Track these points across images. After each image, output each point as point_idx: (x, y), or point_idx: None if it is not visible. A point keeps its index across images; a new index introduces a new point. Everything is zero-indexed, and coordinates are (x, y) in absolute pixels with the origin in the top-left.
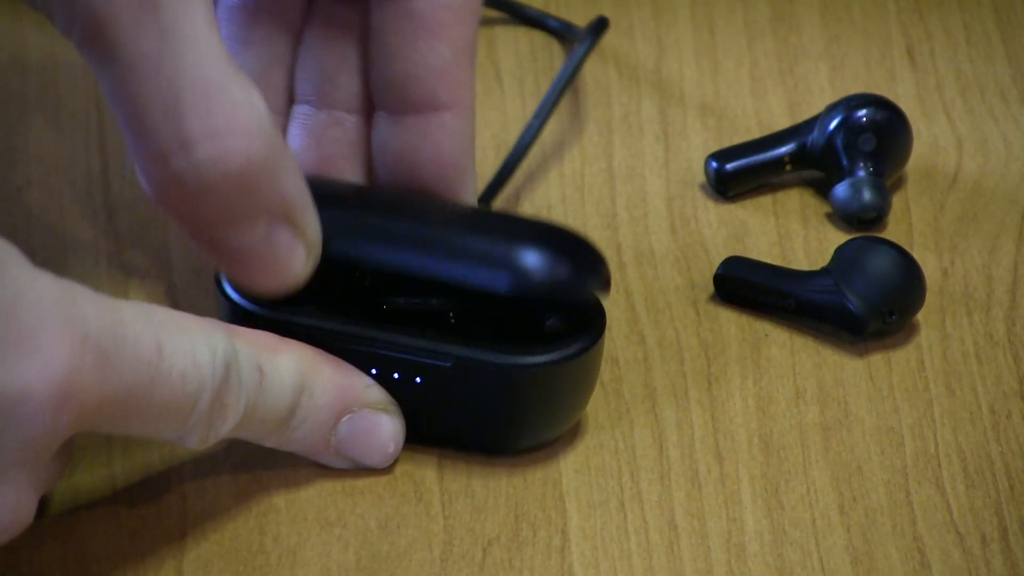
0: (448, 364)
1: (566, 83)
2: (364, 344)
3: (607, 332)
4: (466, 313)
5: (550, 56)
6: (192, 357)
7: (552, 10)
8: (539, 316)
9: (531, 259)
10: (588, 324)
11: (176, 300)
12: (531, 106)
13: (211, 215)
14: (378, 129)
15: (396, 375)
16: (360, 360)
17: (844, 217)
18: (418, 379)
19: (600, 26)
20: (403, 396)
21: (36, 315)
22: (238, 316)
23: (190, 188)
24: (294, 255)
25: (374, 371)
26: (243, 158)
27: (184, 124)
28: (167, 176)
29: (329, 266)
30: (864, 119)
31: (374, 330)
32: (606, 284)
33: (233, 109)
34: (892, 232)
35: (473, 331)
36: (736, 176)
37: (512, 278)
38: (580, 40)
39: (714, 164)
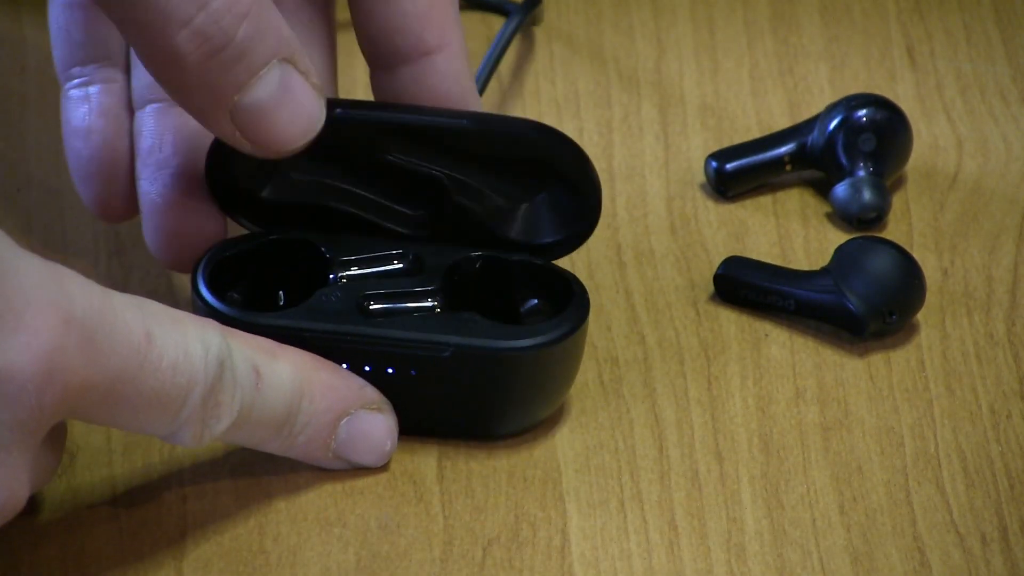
0: (446, 354)
1: (497, 57)
2: (356, 342)
3: (609, 333)
4: (453, 300)
5: (551, 53)
6: (184, 349)
7: (552, 10)
8: (524, 297)
9: (538, 123)
10: (569, 305)
11: (176, 300)
12: (529, 104)
13: (232, 72)
14: (377, 91)
15: (390, 370)
16: (352, 358)
17: (844, 217)
18: (412, 371)
19: (533, 2)
20: (396, 390)
21: (20, 293)
22: (228, 323)
23: (213, 43)
24: (309, 96)
25: (367, 368)
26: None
27: None
28: (192, 40)
29: (344, 132)
30: (864, 119)
31: (368, 327)
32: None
33: None
34: (892, 232)
35: (460, 321)
36: (736, 176)
37: (531, 125)
38: (513, 16)
39: (714, 164)
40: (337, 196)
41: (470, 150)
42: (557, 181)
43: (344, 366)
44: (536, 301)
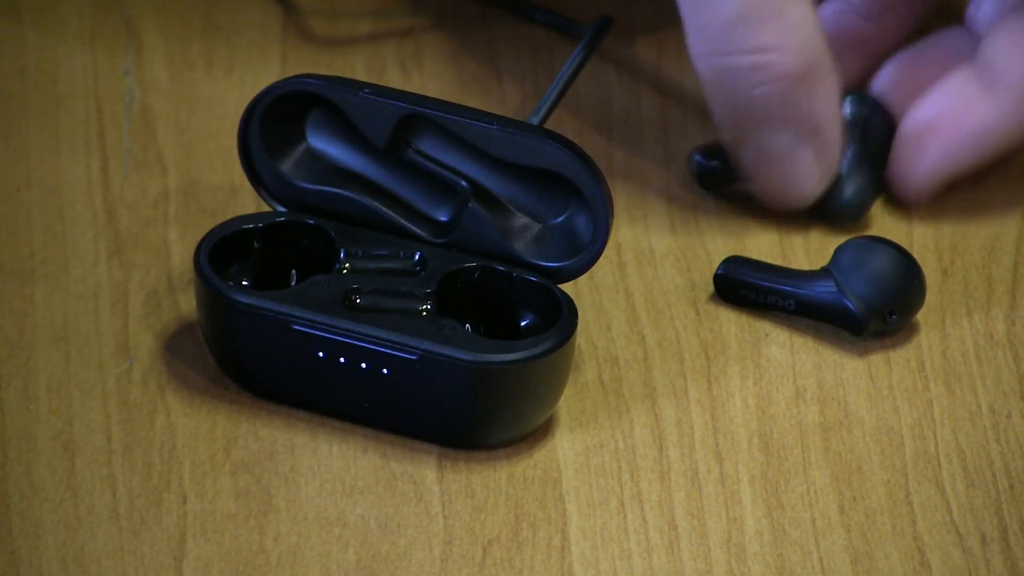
0: (414, 357)
1: (567, 82)
2: (334, 332)
3: (608, 333)
4: (446, 306)
5: (551, 54)
6: None
7: (552, 7)
8: (519, 313)
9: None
10: (560, 322)
11: (176, 300)
12: (531, 105)
13: (746, 113)
14: None
15: (364, 364)
16: (326, 348)
17: (830, 216)
18: (385, 371)
19: (603, 25)
20: (374, 388)
21: None
22: (213, 299)
23: (734, 85)
24: (808, 173)
25: (342, 360)
26: (778, 72)
27: (736, 34)
28: (718, 68)
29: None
30: (856, 116)
31: (345, 320)
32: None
33: (783, 29)
34: (892, 232)
35: (440, 328)
36: (720, 171)
37: (554, 137)
38: (582, 38)
39: (698, 158)
40: (360, 188)
41: (491, 153)
42: (573, 203)
43: (320, 355)
44: (530, 318)
